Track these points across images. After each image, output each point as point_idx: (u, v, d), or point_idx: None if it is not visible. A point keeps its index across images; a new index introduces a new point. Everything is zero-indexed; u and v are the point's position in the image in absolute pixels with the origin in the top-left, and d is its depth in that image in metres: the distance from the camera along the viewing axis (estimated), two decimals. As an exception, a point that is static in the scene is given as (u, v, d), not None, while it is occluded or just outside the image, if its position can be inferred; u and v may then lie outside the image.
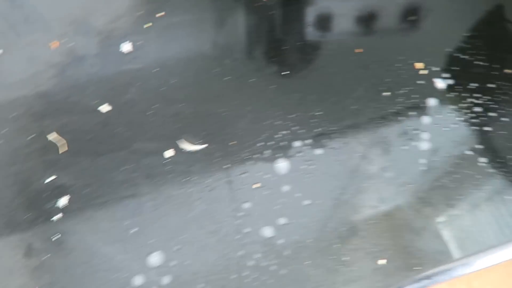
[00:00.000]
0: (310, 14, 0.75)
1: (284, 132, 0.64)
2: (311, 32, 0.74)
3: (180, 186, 0.59)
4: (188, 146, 0.62)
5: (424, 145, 0.62)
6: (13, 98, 0.67)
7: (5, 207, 0.58)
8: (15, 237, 0.56)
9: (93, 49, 0.72)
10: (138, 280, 0.53)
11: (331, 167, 0.61)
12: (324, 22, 0.75)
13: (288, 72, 0.69)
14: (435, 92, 0.67)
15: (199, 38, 0.74)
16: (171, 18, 0.76)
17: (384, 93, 0.67)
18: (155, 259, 0.54)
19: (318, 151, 0.62)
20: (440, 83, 0.68)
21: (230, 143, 0.63)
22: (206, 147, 0.62)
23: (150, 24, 0.75)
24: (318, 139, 0.63)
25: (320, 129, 0.64)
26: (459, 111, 0.66)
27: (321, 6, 0.76)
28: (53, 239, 0.56)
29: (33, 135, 0.64)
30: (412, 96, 0.67)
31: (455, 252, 0.56)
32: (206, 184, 0.60)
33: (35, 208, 0.58)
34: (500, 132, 0.64)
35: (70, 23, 0.74)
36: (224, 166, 0.61)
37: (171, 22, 0.75)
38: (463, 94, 0.67)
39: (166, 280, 0.53)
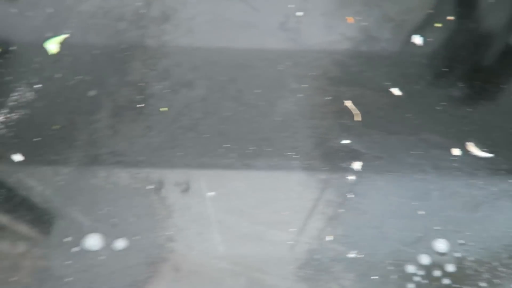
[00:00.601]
0: None
1: None
2: None
3: (466, 186, 0.62)
4: (475, 151, 0.64)
5: None
6: (311, 59, 0.73)
7: (305, 154, 0.64)
8: (312, 183, 0.62)
9: (386, 33, 0.76)
10: (424, 259, 0.57)
11: None
12: None
13: None
14: None
15: (490, 52, 0.75)
16: (460, 24, 0.78)
17: None
18: (440, 245, 0.58)
19: None
20: None
21: (517, 160, 0.64)
22: (493, 157, 0.64)
23: (440, 24, 0.77)
24: None
25: None
26: None
27: None
28: (348, 196, 0.61)
29: (329, 97, 0.69)
30: None
31: None
32: (492, 192, 0.61)
33: (331, 163, 0.63)
34: None
35: (365, 3, 0.79)
36: (510, 180, 0.62)
37: (459, 28, 0.77)
38: None
39: (450, 268, 0.56)
